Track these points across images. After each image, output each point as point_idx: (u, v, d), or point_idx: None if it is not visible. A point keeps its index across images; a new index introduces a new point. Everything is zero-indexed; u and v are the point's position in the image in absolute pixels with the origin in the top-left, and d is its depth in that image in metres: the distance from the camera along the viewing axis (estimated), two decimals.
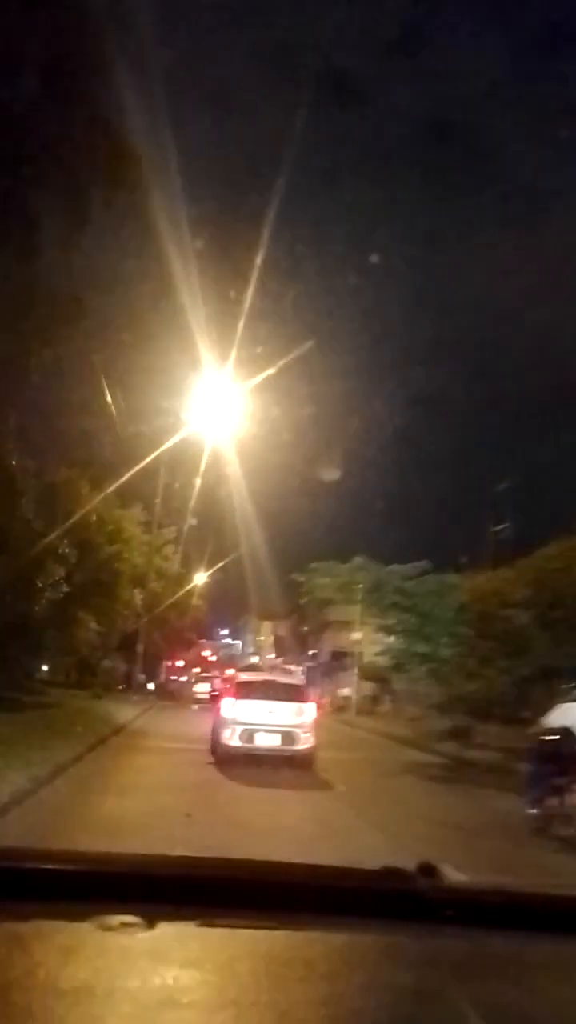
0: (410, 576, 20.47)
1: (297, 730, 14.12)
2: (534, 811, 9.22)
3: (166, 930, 1.37)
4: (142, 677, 42.46)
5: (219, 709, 14.89)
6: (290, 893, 1.54)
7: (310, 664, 64.92)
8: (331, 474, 33.11)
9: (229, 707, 14.41)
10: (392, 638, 22.40)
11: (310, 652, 66.28)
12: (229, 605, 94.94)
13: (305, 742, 14.09)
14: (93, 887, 1.48)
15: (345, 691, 50.41)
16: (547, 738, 9.53)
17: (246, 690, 14.97)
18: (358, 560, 21.12)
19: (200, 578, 51.15)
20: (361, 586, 21.78)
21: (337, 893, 1.57)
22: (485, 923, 1.51)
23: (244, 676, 17.09)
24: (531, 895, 1.72)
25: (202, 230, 16.52)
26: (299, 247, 26.93)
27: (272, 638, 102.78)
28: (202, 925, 1.41)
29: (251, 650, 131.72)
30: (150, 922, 1.37)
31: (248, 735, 14.01)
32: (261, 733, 14.03)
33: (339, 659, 58.50)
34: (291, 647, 78.26)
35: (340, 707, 52.79)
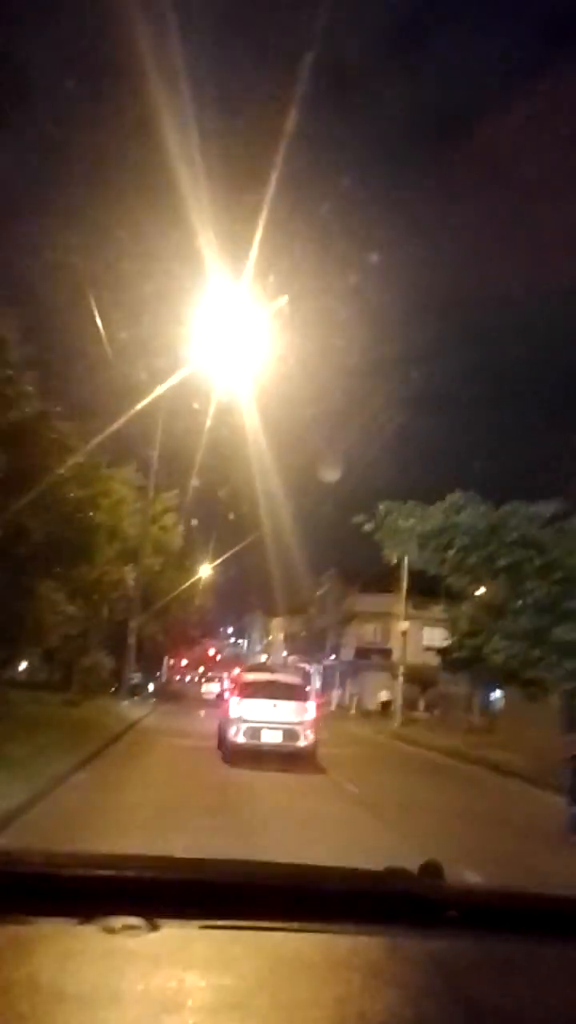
0: (543, 518, 12.89)
1: (299, 727, 14.76)
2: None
3: (170, 932, 1.37)
4: (136, 677, 35.02)
5: (226, 708, 15.79)
6: (294, 894, 1.53)
7: (330, 663, 57.21)
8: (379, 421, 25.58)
9: (235, 706, 15.07)
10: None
11: (328, 650, 58.52)
12: (233, 601, 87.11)
13: (306, 739, 14.77)
14: (96, 890, 1.47)
15: (384, 695, 42.74)
16: None
17: (251, 690, 15.49)
18: (456, 497, 13.54)
19: (205, 570, 44.39)
20: (455, 541, 14.08)
21: (341, 894, 1.56)
22: (489, 925, 1.50)
23: (249, 676, 17.16)
24: (536, 896, 1.68)
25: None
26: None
27: (282, 635, 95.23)
28: (206, 927, 1.40)
29: (258, 648, 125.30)
30: (153, 924, 1.37)
31: (253, 732, 14.60)
32: (265, 730, 14.63)
33: (365, 656, 50.79)
34: (306, 645, 70.73)
35: (369, 713, 45.12)
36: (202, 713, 28.39)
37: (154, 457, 27.98)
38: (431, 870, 1.64)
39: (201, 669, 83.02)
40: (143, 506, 28.22)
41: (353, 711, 46.22)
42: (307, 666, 70.48)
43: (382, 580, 53.50)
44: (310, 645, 69.24)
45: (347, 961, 1.36)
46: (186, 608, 42.37)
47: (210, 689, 43.29)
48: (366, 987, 1.28)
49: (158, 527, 30.51)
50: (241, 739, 14.60)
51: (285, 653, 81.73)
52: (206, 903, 1.45)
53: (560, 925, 1.52)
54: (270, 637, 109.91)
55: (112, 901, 1.41)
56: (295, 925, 1.43)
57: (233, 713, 14.99)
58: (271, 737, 14.63)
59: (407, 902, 1.51)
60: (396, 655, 48.53)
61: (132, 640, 27.33)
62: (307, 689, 16.93)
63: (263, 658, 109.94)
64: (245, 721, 14.73)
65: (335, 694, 57.90)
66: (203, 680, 61.55)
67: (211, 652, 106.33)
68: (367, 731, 30.77)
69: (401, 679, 36.72)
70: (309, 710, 15.25)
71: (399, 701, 37.20)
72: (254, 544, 37.99)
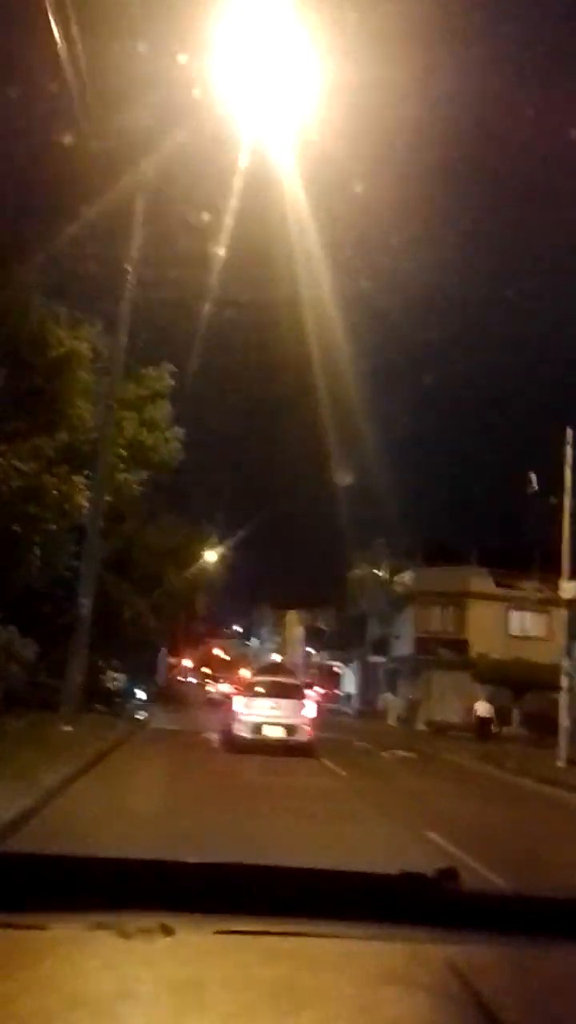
0: None
1: (298, 723, 16.54)
2: None
3: (185, 936, 1.37)
4: (116, 679, 22.57)
5: (231, 706, 17.89)
6: (309, 898, 1.53)
7: (376, 660, 44.29)
8: None
9: (240, 704, 17.26)
10: None
11: (371, 644, 45.51)
12: (241, 595, 74.08)
13: (305, 734, 16.43)
14: (111, 893, 1.46)
15: (482, 708, 29.82)
16: None
17: (254, 689, 18.05)
18: None
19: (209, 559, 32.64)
20: None
21: (357, 898, 1.55)
22: (506, 928, 1.50)
23: (253, 678, 20.35)
24: (553, 900, 1.66)
25: None
26: None
27: (301, 629, 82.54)
28: (221, 931, 1.40)
29: (269, 646, 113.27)
30: (168, 929, 1.37)
31: (256, 728, 16.43)
32: (267, 726, 16.42)
33: (429, 650, 37.89)
34: (338, 639, 57.91)
35: (444, 728, 32.40)
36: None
37: (122, 306, 15.32)
38: (447, 874, 1.59)
39: (206, 670, 76.44)
40: (108, 388, 15.59)
41: (422, 725, 33.38)
42: (337, 666, 57.74)
43: (452, 550, 40.99)
44: (344, 639, 56.44)
45: (363, 965, 1.37)
46: (190, 584, 30.00)
47: (219, 690, 39.68)
48: (383, 991, 1.29)
49: (139, 425, 17.80)
50: (245, 734, 16.31)
51: (311, 651, 68.66)
52: (221, 907, 1.46)
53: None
54: (284, 633, 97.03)
55: (127, 905, 1.43)
56: (311, 929, 1.44)
57: (238, 710, 16.93)
58: (273, 732, 16.29)
59: (424, 906, 1.52)
60: (476, 647, 35.81)
61: (85, 611, 14.56)
62: (305, 688, 20.51)
63: (275, 657, 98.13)
64: (249, 717, 16.52)
65: (384, 699, 45.12)
66: (208, 680, 57.84)
67: (216, 652, 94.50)
68: (494, 770, 18.09)
69: (482, 688, 23.74)
70: (308, 708, 17.08)
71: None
72: (271, 520, 27.06)
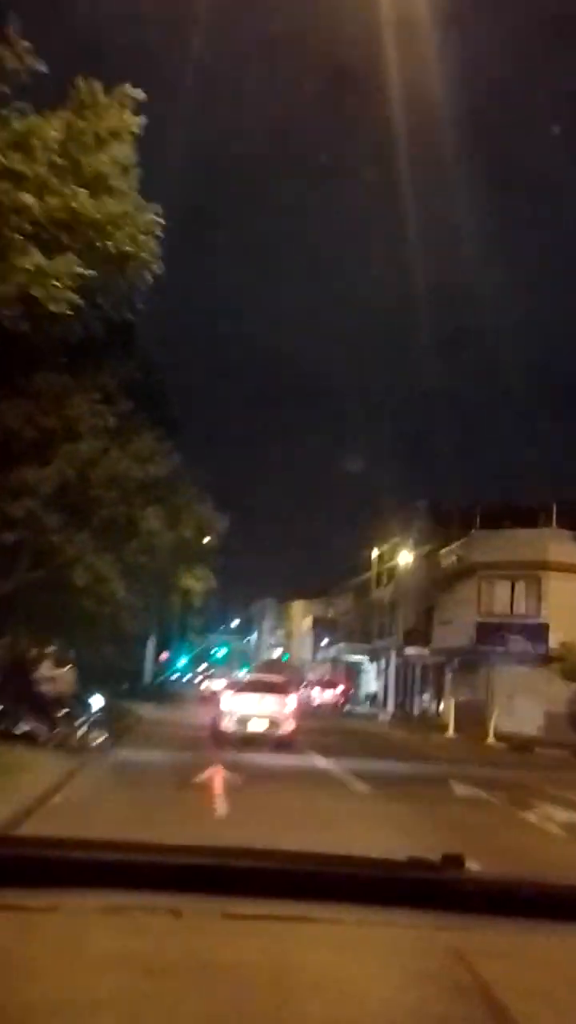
0: None
1: (281, 718, 17.55)
2: None
3: (192, 919, 1.38)
4: (59, 681, 14.18)
5: (219, 702, 18.94)
6: (316, 883, 1.54)
7: (415, 654, 35.62)
8: None
9: (227, 700, 18.40)
10: None
11: (406, 636, 36.81)
12: (238, 583, 65.23)
13: (287, 728, 17.48)
14: (120, 877, 1.49)
15: None
16: None
17: (239, 687, 19.47)
18: None
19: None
20: None
21: (363, 883, 1.56)
22: (512, 913, 1.50)
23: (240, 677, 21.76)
24: (559, 886, 1.66)
25: None
26: None
27: (310, 621, 73.95)
28: (228, 915, 1.41)
29: (271, 641, 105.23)
30: (175, 911, 1.39)
31: (242, 722, 17.42)
32: (252, 720, 17.45)
33: (493, 639, 29.25)
34: (359, 631, 49.31)
35: (524, 744, 23.80)
36: None
37: None
38: (452, 860, 1.60)
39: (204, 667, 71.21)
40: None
41: (491, 738, 24.70)
42: (365, 660, 49.01)
43: (521, 509, 32.27)
44: (365, 631, 47.86)
45: (368, 950, 1.38)
46: (183, 544, 21.27)
47: (210, 687, 38.34)
48: (388, 975, 1.30)
49: (80, 185, 9.06)
50: (232, 727, 17.34)
51: (324, 642, 59.90)
52: (229, 891, 1.47)
53: None
54: (289, 626, 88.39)
55: (136, 888, 1.45)
56: (317, 913, 1.44)
57: (225, 706, 18.15)
58: (257, 726, 17.31)
59: (429, 891, 1.52)
60: (559, 633, 27.23)
61: None
62: (288, 685, 20.53)
63: (278, 654, 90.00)
64: (234, 713, 17.67)
65: (422, 701, 36.53)
66: (204, 679, 55.71)
67: (214, 650, 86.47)
68: None
69: None
70: (290, 703, 18.17)
71: None
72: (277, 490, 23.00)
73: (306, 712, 38.23)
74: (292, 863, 1.64)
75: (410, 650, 35.17)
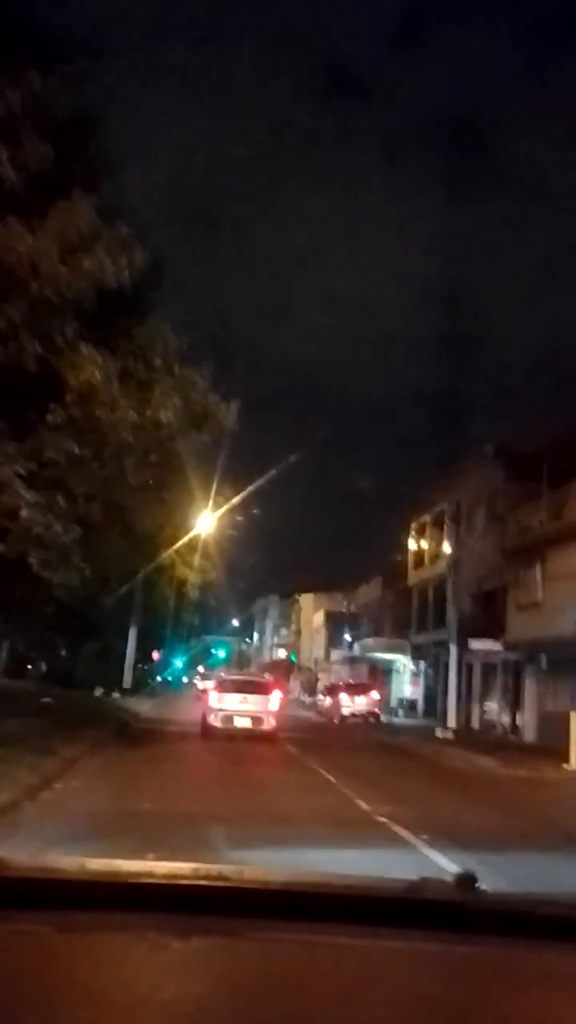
0: None
1: (263, 715, 18.74)
2: None
3: (199, 942, 1.37)
4: None
5: (207, 700, 20.09)
6: (325, 904, 1.51)
7: (481, 648, 26.77)
8: None
9: (214, 699, 19.27)
10: None
11: (463, 627, 27.88)
12: (237, 580, 56.93)
13: (269, 724, 18.67)
14: (127, 899, 1.49)
15: None
16: None
17: (226, 686, 19.68)
18: None
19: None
20: None
21: (373, 904, 1.54)
22: (525, 934, 1.47)
23: (225, 676, 21.91)
24: (571, 905, 1.62)
25: None
26: None
27: (322, 615, 65.20)
28: (235, 937, 1.40)
29: (274, 641, 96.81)
30: (184, 934, 1.37)
31: (228, 719, 18.54)
32: (237, 717, 18.60)
33: None
34: (393, 622, 40.52)
35: None
36: None
37: None
38: (465, 880, 1.59)
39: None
40: None
41: None
42: (407, 661, 40.22)
43: None
44: (399, 624, 39.11)
45: (380, 971, 1.36)
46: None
47: (202, 686, 34.54)
48: (400, 998, 1.28)
49: None
50: (218, 724, 18.41)
51: (346, 637, 51.02)
52: (236, 913, 1.45)
53: None
54: (297, 623, 79.58)
55: (143, 910, 1.44)
56: (326, 936, 1.42)
57: (212, 704, 19.07)
58: (241, 722, 18.51)
59: (442, 911, 1.49)
60: None
61: None
62: (270, 684, 20.92)
63: (282, 654, 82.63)
64: (221, 710, 18.70)
65: (484, 711, 27.91)
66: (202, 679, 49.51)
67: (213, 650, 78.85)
68: None
69: None
70: (272, 701, 19.27)
71: None
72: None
73: (331, 729, 30.04)
74: (301, 884, 1.63)
75: (476, 644, 26.40)
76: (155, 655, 53.43)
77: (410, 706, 36.57)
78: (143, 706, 26.78)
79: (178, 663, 68.40)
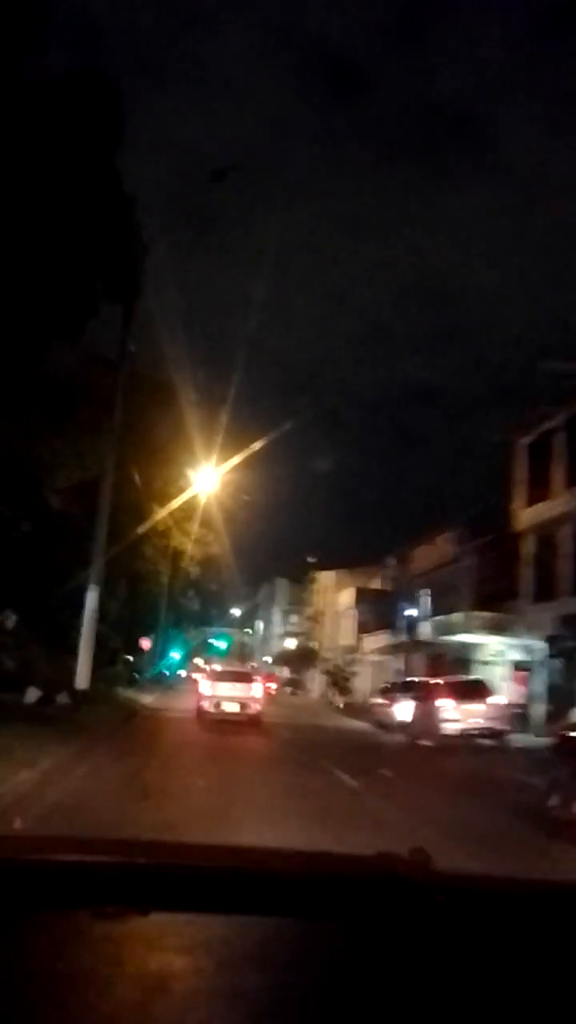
0: None
1: (250, 700, 21.17)
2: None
3: (160, 917, 1.39)
4: None
5: (199, 688, 22.73)
6: (284, 880, 1.55)
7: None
8: None
9: (206, 687, 21.85)
10: None
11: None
12: (240, 566, 46.79)
13: (255, 709, 21.02)
14: (88, 875, 1.49)
15: None
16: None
17: (217, 676, 22.28)
18: None
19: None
20: None
21: (330, 879, 1.58)
22: (477, 910, 1.52)
23: (215, 667, 24.09)
24: (524, 882, 1.70)
25: None
26: None
27: (351, 597, 52.87)
28: (196, 912, 1.42)
29: (280, 631, 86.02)
30: (144, 910, 1.39)
31: (217, 704, 20.99)
32: (225, 702, 21.01)
33: None
34: (475, 589, 28.01)
35: None
36: None
37: None
38: (420, 855, 1.63)
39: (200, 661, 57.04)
40: None
41: None
42: (513, 651, 27.18)
43: None
44: (486, 588, 26.67)
45: (337, 945, 1.38)
46: None
47: (197, 677, 33.92)
48: (355, 972, 1.29)
49: None
50: (210, 709, 20.70)
51: (410, 615, 38.13)
52: (197, 889, 1.47)
53: (549, 911, 1.53)
54: (315, 607, 67.28)
55: (104, 886, 1.44)
56: (285, 910, 1.44)
57: (204, 691, 21.65)
58: (230, 707, 20.77)
59: (396, 887, 1.51)
60: None
61: None
62: (254, 673, 23.92)
63: (290, 643, 71.80)
64: (212, 696, 21.07)
65: None
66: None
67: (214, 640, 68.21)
68: None
69: None
70: (256, 688, 21.67)
71: None
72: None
73: (438, 766, 14.75)
74: (260, 861, 1.66)
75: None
76: (144, 643, 41.19)
77: (523, 718, 24.09)
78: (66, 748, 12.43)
79: (175, 655, 56.62)
